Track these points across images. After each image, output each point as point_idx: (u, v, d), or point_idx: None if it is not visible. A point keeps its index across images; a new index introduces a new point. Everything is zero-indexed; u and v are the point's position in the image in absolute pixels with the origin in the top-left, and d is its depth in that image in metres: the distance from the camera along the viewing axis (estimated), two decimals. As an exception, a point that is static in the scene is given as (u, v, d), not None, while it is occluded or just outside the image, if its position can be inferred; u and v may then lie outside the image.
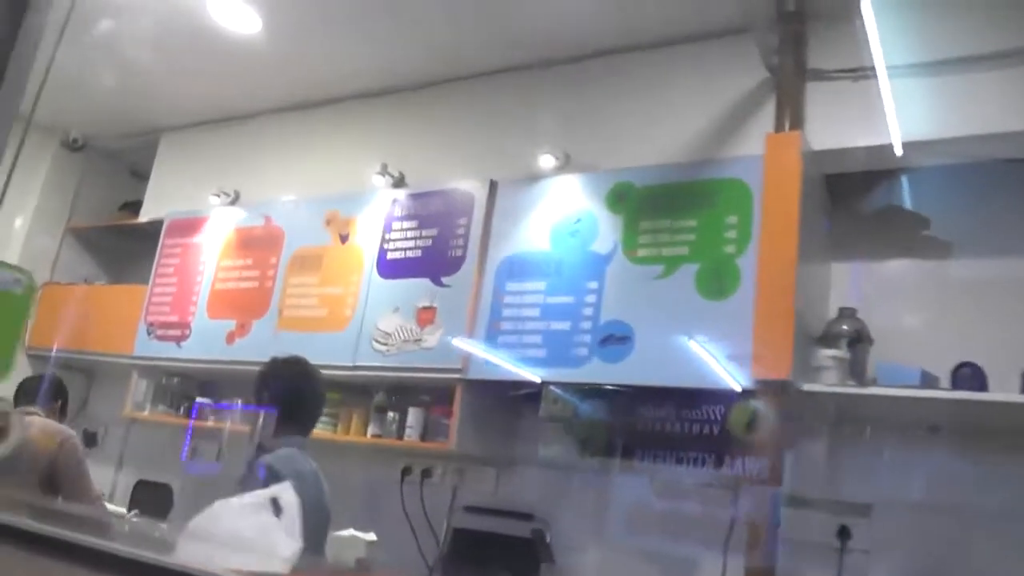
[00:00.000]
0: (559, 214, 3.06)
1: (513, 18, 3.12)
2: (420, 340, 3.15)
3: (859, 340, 2.69)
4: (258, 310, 3.68)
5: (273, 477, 2.11)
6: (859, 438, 2.75)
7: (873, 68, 2.64)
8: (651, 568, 2.90)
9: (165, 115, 4.48)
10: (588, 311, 2.87)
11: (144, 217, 4.46)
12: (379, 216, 3.48)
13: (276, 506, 1.64)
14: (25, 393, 3.13)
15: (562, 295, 2.94)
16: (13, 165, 1.12)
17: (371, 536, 2.46)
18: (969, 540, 2.49)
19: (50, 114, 4.44)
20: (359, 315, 3.35)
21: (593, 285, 2.90)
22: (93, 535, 1.01)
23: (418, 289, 3.23)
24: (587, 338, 2.84)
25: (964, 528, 2.49)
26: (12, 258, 4.43)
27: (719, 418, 2.84)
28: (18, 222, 4.64)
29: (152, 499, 4.15)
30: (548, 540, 2.89)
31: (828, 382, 2.52)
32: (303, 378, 2.51)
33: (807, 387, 2.50)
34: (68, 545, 0.86)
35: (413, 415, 3.16)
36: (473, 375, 3.01)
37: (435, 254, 3.25)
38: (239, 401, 3.75)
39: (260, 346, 3.57)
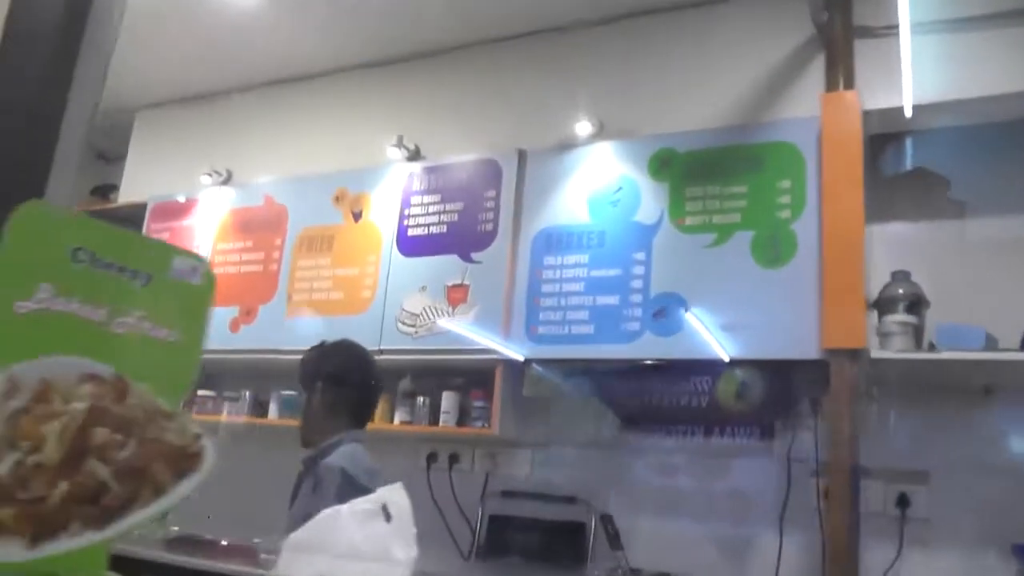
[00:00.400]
0: (596, 183, 2.93)
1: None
2: (452, 320, 2.99)
3: (918, 303, 2.64)
4: (264, 294, 3.45)
5: (345, 480, 1.94)
6: (912, 402, 2.71)
7: (920, 25, 2.58)
8: (707, 547, 2.82)
9: (139, 91, 4.15)
10: (637, 283, 2.75)
11: (122, 201, 4.16)
12: (396, 191, 3.28)
13: (386, 512, 1.48)
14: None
15: (607, 268, 2.81)
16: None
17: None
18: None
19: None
20: (380, 296, 3.16)
21: (640, 256, 2.78)
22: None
23: (445, 266, 3.06)
24: (638, 312, 2.72)
25: (1025, 490, 2.47)
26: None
27: (782, 388, 2.76)
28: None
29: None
30: (615, 526, 2.75)
31: (897, 348, 2.45)
32: (360, 363, 2.32)
33: (876, 354, 2.44)
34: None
35: (448, 399, 3.00)
36: (515, 355, 2.87)
37: (462, 229, 3.08)
38: (247, 392, 3.54)
39: (269, 333, 3.36)
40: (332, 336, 2.76)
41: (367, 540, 1.42)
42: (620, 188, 2.88)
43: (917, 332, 2.55)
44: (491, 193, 3.06)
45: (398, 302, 3.11)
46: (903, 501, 2.63)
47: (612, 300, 2.77)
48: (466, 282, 3.01)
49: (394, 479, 3.37)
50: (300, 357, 2.39)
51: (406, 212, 3.23)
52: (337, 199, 3.40)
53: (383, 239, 3.24)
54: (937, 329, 2.60)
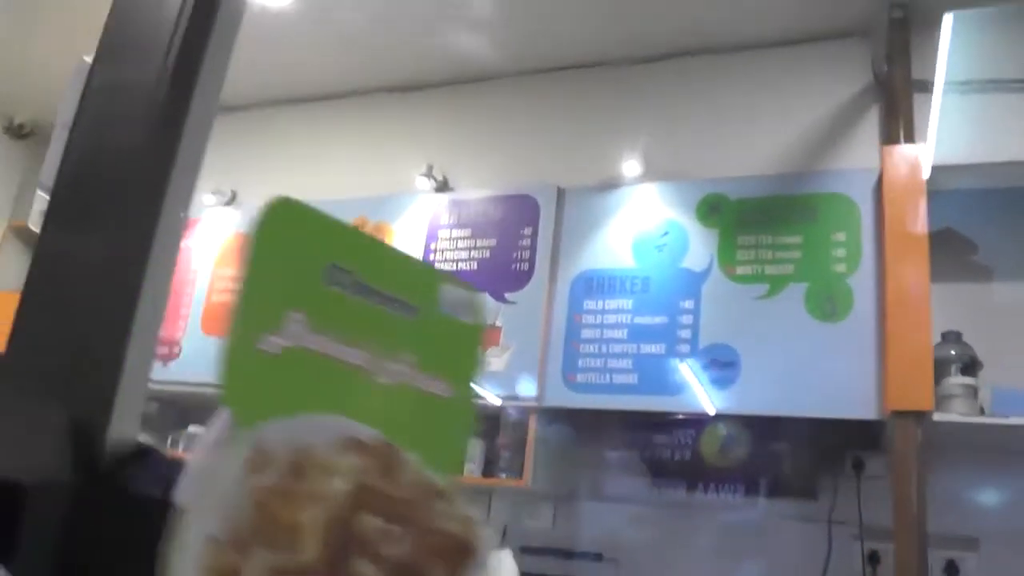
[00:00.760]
0: (640, 226, 2.81)
1: (591, 12, 2.85)
2: (483, 363, 2.81)
3: (972, 365, 2.58)
4: (270, 326, 3.24)
5: None
6: (961, 466, 2.63)
7: (976, 82, 2.55)
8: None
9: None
10: (685, 333, 2.63)
11: (111, 217, 3.90)
12: (421, 223, 3.12)
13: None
14: None
15: (652, 315, 2.69)
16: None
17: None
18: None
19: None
20: (402, 334, 2.98)
21: (688, 304, 2.66)
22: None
23: (476, 306, 2.90)
24: (686, 362, 2.60)
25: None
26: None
27: (825, 448, 2.65)
28: (-50, 219, 3.99)
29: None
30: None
31: (959, 411, 2.37)
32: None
33: (937, 417, 2.35)
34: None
35: (471, 447, 2.82)
36: (552, 403, 2.71)
37: (495, 267, 2.93)
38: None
39: (275, 367, 3.14)
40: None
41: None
42: (667, 232, 2.77)
43: (974, 395, 2.48)
44: (527, 231, 2.92)
45: (422, 341, 2.93)
46: (952, 569, 2.53)
47: (658, 349, 2.64)
48: (498, 323, 2.85)
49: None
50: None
51: (432, 246, 3.07)
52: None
53: (406, 273, 3.06)
54: (994, 392, 2.54)
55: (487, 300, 2.90)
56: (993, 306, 2.77)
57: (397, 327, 0.55)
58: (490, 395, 2.75)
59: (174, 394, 3.45)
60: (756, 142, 2.80)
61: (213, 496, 0.45)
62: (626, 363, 2.66)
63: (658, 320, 2.67)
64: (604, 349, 2.70)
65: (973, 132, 2.61)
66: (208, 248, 3.52)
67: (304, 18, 3.05)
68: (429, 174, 3.12)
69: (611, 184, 2.90)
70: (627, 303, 2.73)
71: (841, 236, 2.59)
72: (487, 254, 2.96)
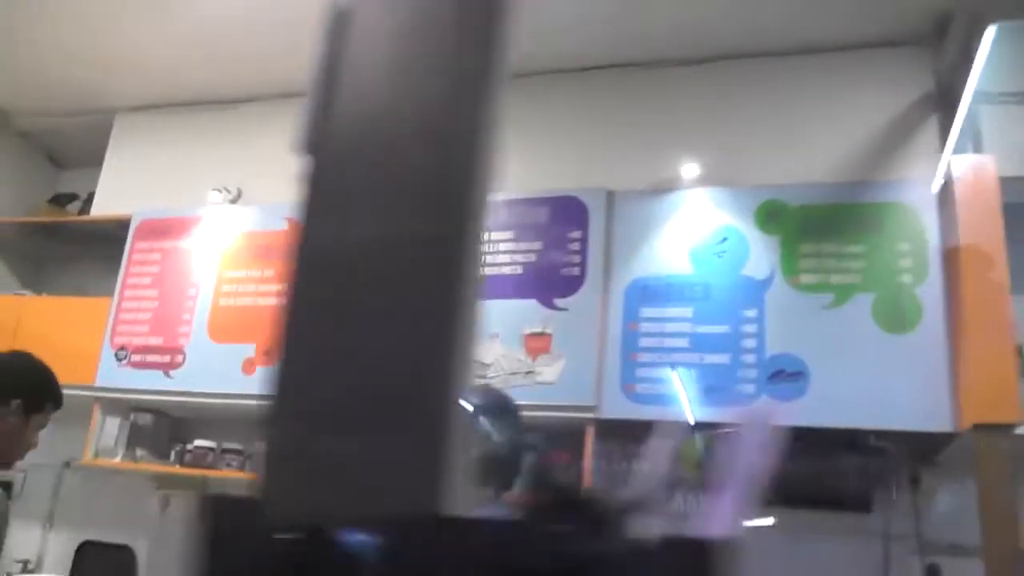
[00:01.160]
0: (697, 232, 2.72)
1: (645, 8, 2.76)
2: (533, 372, 2.67)
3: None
4: (288, 332, 3.01)
5: None
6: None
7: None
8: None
9: (120, 90, 3.65)
10: (749, 343, 2.54)
11: (96, 213, 3.60)
12: (457, 225, 2.95)
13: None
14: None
15: (714, 324, 2.59)
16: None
17: None
18: None
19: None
20: (440, 341, 2.80)
21: (751, 313, 2.58)
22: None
23: (522, 312, 2.75)
24: (752, 373, 2.51)
25: None
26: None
27: (882, 461, 2.60)
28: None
29: (105, 566, 3.31)
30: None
31: (1042, 424, 2.35)
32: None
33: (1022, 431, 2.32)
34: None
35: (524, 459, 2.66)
36: (610, 414, 2.58)
37: (542, 272, 2.79)
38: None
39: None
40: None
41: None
42: (725, 239, 2.68)
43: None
44: (576, 234, 2.79)
45: (463, 349, 2.76)
46: (1011, 584, 2.51)
47: (723, 359, 2.55)
48: (548, 331, 2.71)
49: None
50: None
51: (471, 249, 2.90)
52: (381, 229, 3.03)
53: (442, 277, 2.89)
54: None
55: (535, 306, 2.76)
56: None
57: None
58: (543, 405, 2.61)
59: (177, 405, 3.19)
60: (812, 148, 2.75)
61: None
62: (690, 374, 2.56)
63: (721, 329, 2.58)
64: (665, 359, 2.59)
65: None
66: (213, 249, 3.26)
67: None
68: (467, 174, 2.96)
69: (663, 188, 2.80)
70: (687, 311, 2.63)
71: (906, 246, 2.56)
72: (533, 258, 2.82)
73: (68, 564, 3.30)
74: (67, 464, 3.42)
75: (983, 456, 2.25)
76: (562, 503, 1.19)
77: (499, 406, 1.93)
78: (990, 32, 2.48)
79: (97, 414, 3.18)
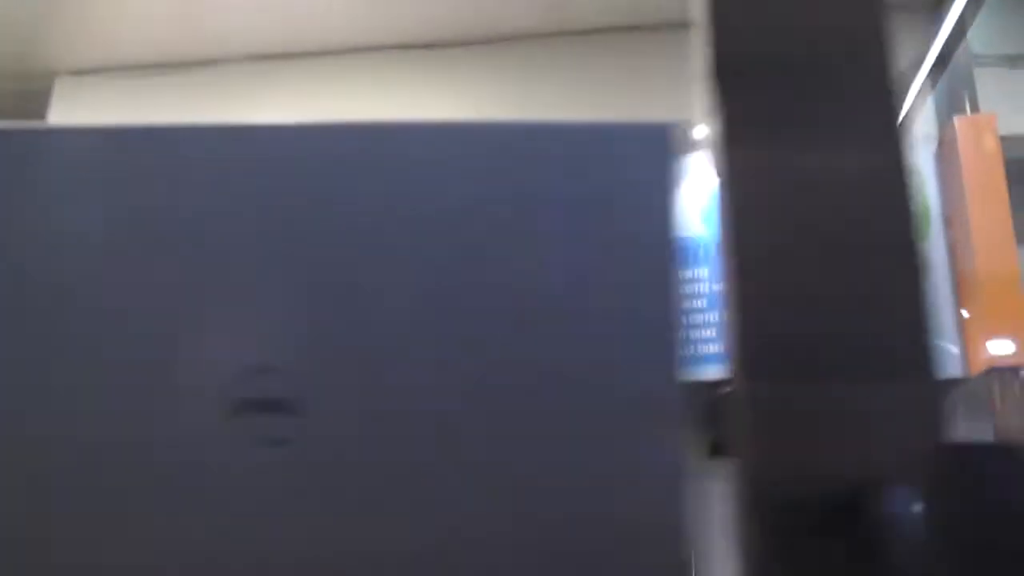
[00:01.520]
0: (706, 192, 2.72)
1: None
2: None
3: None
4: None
5: None
6: None
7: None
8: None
9: (59, 52, 3.36)
10: (767, 300, 2.56)
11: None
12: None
13: None
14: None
15: (731, 282, 2.60)
16: None
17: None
18: None
19: None
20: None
21: (767, 271, 2.60)
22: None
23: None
24: (772, 330, 2.53)
25: None
26: None
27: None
28: None
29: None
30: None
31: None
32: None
33: (1028, 374, 2.43)
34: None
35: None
36: (633, 377, 2.55)
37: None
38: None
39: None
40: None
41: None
42: (736, 198, 2.69)
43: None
44: (585, 197, 2.74)
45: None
46: None
47: (742, 317, 2.55)
48: (562, 295, 2.65)
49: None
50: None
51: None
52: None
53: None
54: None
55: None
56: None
57: None
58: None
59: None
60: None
61: None
62: (709, 332, 2.55)
63: (738, 288, 2.59)
64: (685, 320, 2.58)
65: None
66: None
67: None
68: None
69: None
70: (703, 271, 2.62)
71: (908, 204, 2.63)
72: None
73: None
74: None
75: (999, 402, 2.34)
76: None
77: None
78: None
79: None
